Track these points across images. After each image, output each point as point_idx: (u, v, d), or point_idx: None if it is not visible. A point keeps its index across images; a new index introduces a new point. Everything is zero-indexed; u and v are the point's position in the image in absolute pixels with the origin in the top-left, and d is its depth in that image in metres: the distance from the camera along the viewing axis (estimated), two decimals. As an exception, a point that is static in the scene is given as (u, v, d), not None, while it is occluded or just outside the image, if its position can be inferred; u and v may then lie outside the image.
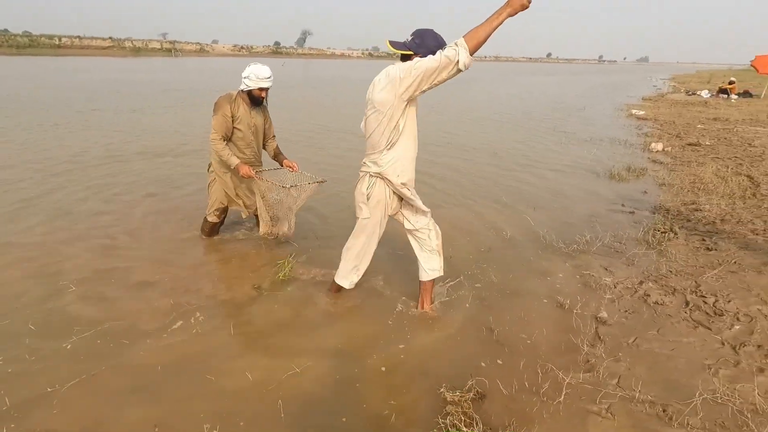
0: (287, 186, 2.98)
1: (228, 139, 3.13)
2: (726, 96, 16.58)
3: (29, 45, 47.92)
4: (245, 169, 3.04)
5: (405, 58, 2.12)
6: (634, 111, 12.46)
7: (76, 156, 5.88)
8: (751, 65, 15.66)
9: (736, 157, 6.68)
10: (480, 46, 1.93)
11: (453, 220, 3.98)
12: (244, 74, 3.05)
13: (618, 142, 8.01)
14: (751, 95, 16.69)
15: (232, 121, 3.07)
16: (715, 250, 3.46)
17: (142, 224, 3.76)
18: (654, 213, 4.31)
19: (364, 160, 2.33)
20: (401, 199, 2.40)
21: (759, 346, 2.30)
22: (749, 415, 1.84)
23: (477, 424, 1.76)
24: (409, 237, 2.51)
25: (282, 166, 3.30)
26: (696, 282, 2.96)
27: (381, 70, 2.15)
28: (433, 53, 1.97)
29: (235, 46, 76.40)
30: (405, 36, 2.16)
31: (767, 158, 6.56)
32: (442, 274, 2.54)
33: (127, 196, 4.43)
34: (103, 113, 9.66)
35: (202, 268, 3.06)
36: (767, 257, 3.31)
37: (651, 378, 2.08)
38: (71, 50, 49.85)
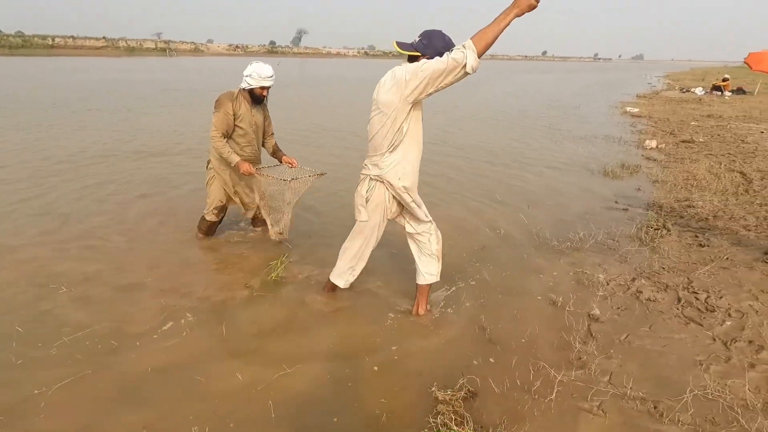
0: (288, 179, 2.97)
1: (228, 136, 3.12)
2: (720, 93, 16.66)
3: (22, 45, 47.53)
4: (245, 167, 3.03)
5: (412, 59, 2.08)
6: (628, 108, 12.50)
7: (71, 156, 5.83)
8: (745, 62, 15.70)
9: (729, 153, 6.71)
10: (488, 48, 1.88)
11: (447, 218, 3.97)
12: (245, 72, 3.04)
13: (612, 140, 8.03)
14: (744, 92, 16.78)
15: (234, 118, 3.07)
16: (708, 246, 3.47)
17: (135, 225, 3.73)
18: (647, 210, 4.33)
19: (365, 162, 2.29)
20: (402, 204, 2.33)
21: (750, 342, 2.31)
22: (739, 411, 1.84)
23: (468, 422, 1.76)
24: (409, 240, 2.47)
25: (281, 162, 3.30)
26: (688, 278, 2.97)
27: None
28: (441, 54, 1.94)
29: (230, 45, 76.11)
30: (403, 35, 2.14)
31: (760, 154, 6.60)
32: (438, 279, 2.49)
33: (120, 196, 4.40)
34: (100, 113, 9.59)
35: (195, 269, 3.04)
36: (759, 253, 3.33)
37: (642, 375, 2.08)
38: (65, 50, 49.49)
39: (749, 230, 3.78)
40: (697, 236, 3.65)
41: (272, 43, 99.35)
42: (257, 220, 3.68)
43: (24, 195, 4.29)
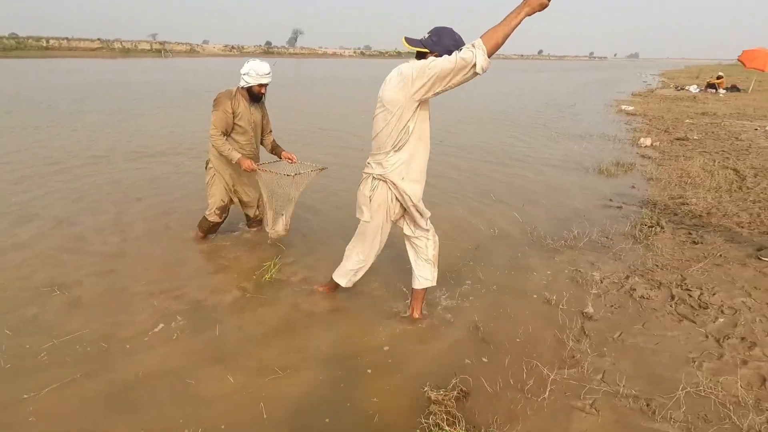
0: (291, 174, 2.96)
1: (227, 135, 3.12)
2: (714, 91, 16.73)
3: (16, 47, 47.22)
4: (247, 163, 3.03)
5: (420, 56, 2.01)
6: (623, 107, 12.54)
7: (66, 158, 5.80)
8: (738, 60, 15.79)
9: (723, 150, 6.74)
10: (498, 48, 1.81)
11: (442, 217, 3.96)
12: (243, 71, 3.04)
13: (607, 138, 8.05)
14: (738, 89, 16.86)
15: (233, 117, 3.06)
16: (701, 243, 3.48)
17: (128, 227, 3.70)
18: (642, 207, 4.33)
19: (368, 161, 2.22)
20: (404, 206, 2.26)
21: (742, 339, 2.31)
22: (731, 408, 1.84)
23: (460, 422, 1.75)
24: (407, 243, 2.44)
25: (280, 158, 3.30)
26: (682, 275, 2.97)
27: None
28: (450, 53, 1.87)
29: (225, 46, 75.94)
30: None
31: (753, 152, 6.63)
32: (434, 284, 2.46)
33: (114, 198, 4.37)
34: (96, 114, 9.55)
35: (188, 271, 3.02)
36: (752, 250, 3.34)
37: (635, 372, 2.08)
38: (59, 52, 49.22)
39: (742, 227, 3.80)
40: (690, 233, 3.66)
41: (268, 43, 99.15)
42: (252, 221, 3.67)
43: (19, 198, 4.27)
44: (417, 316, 2.49)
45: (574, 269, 3.08)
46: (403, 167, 2.12)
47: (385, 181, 2.16)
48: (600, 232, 3.70)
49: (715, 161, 6.03)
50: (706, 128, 8.78)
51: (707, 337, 2.34)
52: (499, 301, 2.71)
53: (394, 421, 1.81)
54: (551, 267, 3.14)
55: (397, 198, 2.21)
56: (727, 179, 5.16)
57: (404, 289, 2.72)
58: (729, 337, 2.32)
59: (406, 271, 2.54)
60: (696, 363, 2.13)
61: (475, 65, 1.80)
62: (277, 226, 3.18)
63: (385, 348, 2.26)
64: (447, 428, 1.70)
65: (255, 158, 3.28)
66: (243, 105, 3.10)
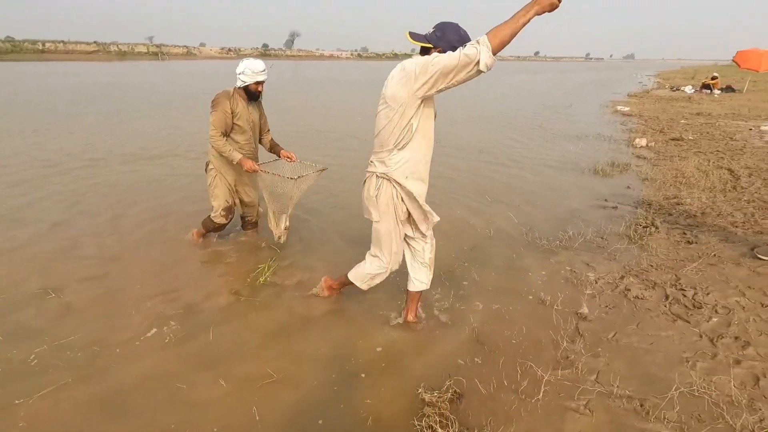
0: (294, 177, 2.96)
1: (226, 135, 3.12)
2: (709, 91, 16.83)
3: (12, 50, 47.05)
4: (249, 164, 3.04)
5: (424, 51, 1.96)
6: (619, 107, 12.59)
7: (62, 161, 5.78)
8: (733, 61, 15.89)
9: (717, 150, 6.77)
10: (504, 46, 1.75)
11: (439, 217, 3.96)
12: (238, 70, 3.04)
13: (603, 138, 8.07)
14: (733, 90, 16.96)
15: (232, 117, 3.06)
16: (696, 243, 3.49)
17: (122, 231, 3.69)
18: (636, 208, 4.34)
19: (371, 159, 2.16)
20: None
21: (736, 338, 2.31)
22: (725, 407, 1.84)
23: (453, 424, 1.74)
24: (404, 244, 2.40)
25: (279, 156, 3.30)
26: (676, 275, 2.98)
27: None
28: (454, 48, 1.81)
29: (222, 48, 75.90)
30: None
31: (748, 151, 6.66)
32: (428, 287, 2.42)
33: (109, 201, 4.35)
34: (92, 117, 9.52)
35: (182, 274, 3.00)
36: (746, 249, 3.35)
37: (629, 373, 2.08)
38: (55, 55, 49.07)
39: (737, 227, 3.81)
40: (685, 233, 3.67)
41: (265, 45, 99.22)
42: (248, 224, 3.66)
43: (17, 201, 4.25)
44: (411, 319, 2.48)
45: (569, 270, 3.08)
46: (406, 166, 2.06)
47: (389, 180, 2.10)
48: (595, 233, 3.71)
49: (709, 161, 6.05)
50: (701, 128, 8.82)
51: (701, 336, 2.34)
52: (494, 302, 2.70)
53: (387, 424, 1.80)
54: (546, 267, 3.14)
55: (402, 198, 2.14)
56: (721, 179, 5.18)
57: (399, 292, 2.71)
58: (723, 337, 2.32)
59: (401, 274, 2.53)
60: (690, 363, 2.13)
61: (478, 62, 1.74)
62: (279, 227, 3.18)
63: (379, 350, 2.25)
64: (440, 431, 1.70)
65: (254, 158, 3.28)
66: (241, 105, 3.10)
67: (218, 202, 3.28)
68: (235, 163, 3.09)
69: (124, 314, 2.50)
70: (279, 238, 3.25)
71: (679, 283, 2.87)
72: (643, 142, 7.42)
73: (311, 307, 2.62)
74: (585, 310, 2.59)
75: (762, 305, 2.61)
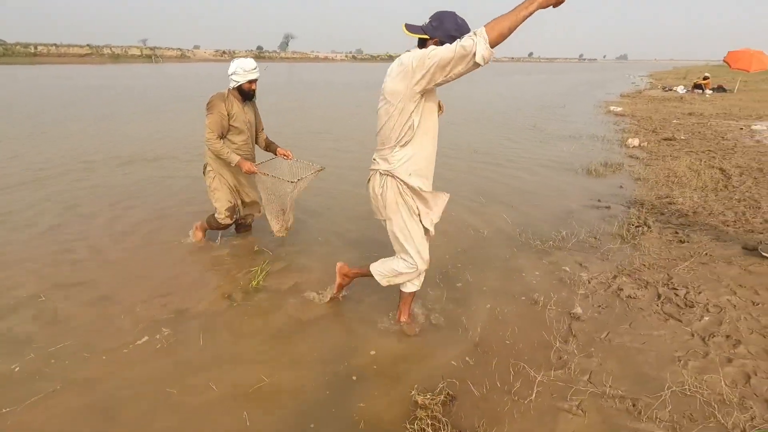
0: (294, 180, 2.95)
1: (223, 137, 3.10)
2: (701, 91, 16.98)
3: (3, 54, 46.72)
4: (248, 165, 3.03)
5: (422, 44, 1.91)
6: (612, 108, 12.66)
7: (53, 165, 5.74)
8: (724, 61, 16.06)
9: (709, 150, 6.82)
10: (503, 39, 1.66)
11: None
12: (230, 71, 3.04)
13: (596, 138, 8.11)
14: (724, 90, 17.12)
15: (228, 118, 3.06)
16: (688, 242, 3.51)
17: (115, 235, 3.65)
18: (629, 207, 4.36)
19: (374, 157, 2.12)
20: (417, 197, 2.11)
21: (727, 337, 2.32)
22: (716, 406, 1.85)
23: (446, 427, 1.74)
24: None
25: (276, 154, 3.29)
26: (668, 274, 2.99)
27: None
28: (453, 38, 1.75)
29: (216, 51, 75.77)
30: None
31: (739, 151, 6.71)
32: (419, 288, 2.39)
33: (93, 205, 4.31)
34: (85, 121, 9.46)
35: (173, 279, 2.98)
36: (737, 248, 3.37)
37: (622, 372, 2.08)
38: (47, 58, 48.79)
39: (728, 226, 3.83)
40: (677, 232, 3.69)
41: (259, 48, 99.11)
42: (240, 227, 3.64)
43: (9, 205, 4.22)
44: (404, 320, 2.47)
45: (562, 270, 3.09)
46: (409, 163, 2.01)
47: (394, 177, 2.04)
48: (588, 233, 3.72)
49: (701, 161, 6.09)
50: (692, 128, 8.89)
51: (693, 335, 2.35)
52: (487, 303, 2.70)
53: (380, 427, 1.79)
54: (540, 268, 3.14)
55: (410, 194, 2.08)
56: (713, 178, 5.22)
57: (392, 294, 2.70)
58: (714, 336, 2.33)
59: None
60: (682, 362, 2.14)
61: (474, 54, 1.66)
62: (280, 224, 3.18)
63: (372, 353, 2.24)
64: (432, 433, 1.69)
65: (252, 158, 3.28)
66: (237, 106, 3.09)
67: (220, 203, 3.26)
68: (233, 165, 3.09)
69: (116, 320, 2.48)
70: (278, 232, 3.23)
71: (671, 282, 2.88)
72: (636, 142, 7.47)
73: (303, 311, 2.61)
74: (578, 310, 2.59)
75: (753, 303, 2.62)
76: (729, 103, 13.33)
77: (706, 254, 3.28)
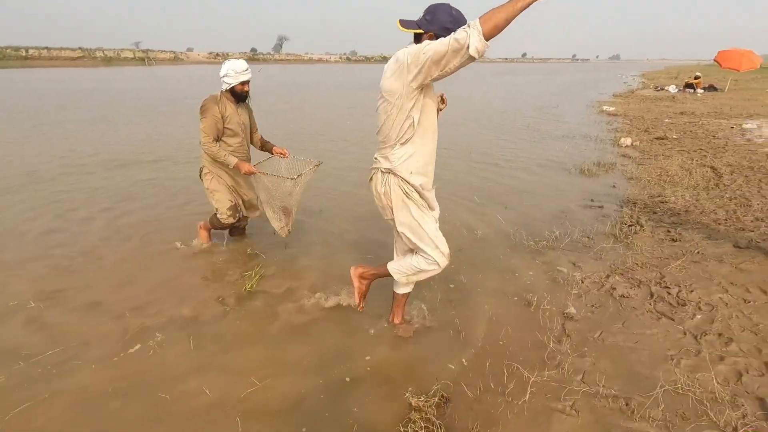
0: (294, 177, 2.94)
1: (218, 140, 3.09)
2: (692, 90, 17.13)
3: (-6, 57, 46.32)
4: (246, 167, 3.03)
5: (417, 39, 1.87)
6: (605, 107, 12.74)
7: (43, 168, 5.67)
8: (715, 60, 16.23)
9: (700, 149, 6.88)
10: (498, 30, 1.60)
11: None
12: (221, 73, 3.03)
13: (589, 138, 8.16)
14: (715, 89, 17.28)
15: (223, 121, 3.04)
16: (680, 240, 3.53)
17: (105, 240, 3.62)
18: (622, 207, 4.38)
19: (375, 155, 2.09)
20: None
21: (719, 335, 2.33)
22: (708, 404, 1.85)
23: (440, 429, 1.73)
24: (396, 246, 2.35)
25: (272, 153, 3.29)
26: (660, 273, 3.01)
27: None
28: (448, 31, 1.70)
29: (210, 53, 75.52)
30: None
31: (730, 149, 6.77)
32: (411, 289, 2.40)
33: (84, 210, 4.27)
34: (78, 124, 9.37)
35: (165, 284, 2.95)
36: (729, 246, 3.39)
37: (615, 372, 2.08)
38: (39, 62, 48.41)
39: (719, 224, 3.86)
40: (669, 231, 3.71)
41: (253, 50, 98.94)
42: (235, 230, 3.62)
43: (2, 212, 4.17)
44: (398, 322, 2.47)
45: (556, 270, 3.10)
46: (410, 161, 1.98)
47: (395, 175, 2.01)
48: (581, 232, 3.73)
49: (693, 159, 6.14)
50: (684, 127, 8.96)
51: (685, 334, 2.36)
52: (480, 304, 2.70)
53: (374, 430, 1.78)
54: (533, 268, 3.15)
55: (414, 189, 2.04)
56: (704, 177, 5.26)
57: (385, 297, 2.69)
58: (706, 334, 2.34)
59: (385, 279, 2.51)
60: (674, 360, 2.15)
61: (468, 47, 1.61)
62: (282, 226, 3.17)
63: (366, 357, 2.23)
64: (426, 436, 1.68)
65: (248, 159, 3.27)
66: (230, 108, 3.08)
67: (221, 204, 3.24)
68: (231, 167, 3.07)
69: (105, 328, 2.45)
70: (280, 230, 3.22)
71: (664, 281, 2.90)
72: (628, 141, 7.52)
73: (297, 315, 2.59)
74: (571, 310, 2.59)
75: (744, 301, 2.64)
76: (720, 102, 13.45)
77: (698, 252, 3.30)
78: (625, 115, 11.16)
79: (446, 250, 2.12)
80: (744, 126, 8.79)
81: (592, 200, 4.64)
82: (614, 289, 2.83)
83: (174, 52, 70.15)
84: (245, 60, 3.16)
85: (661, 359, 2.16)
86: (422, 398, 1.89)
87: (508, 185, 5.28)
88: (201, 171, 3.27)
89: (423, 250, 2.09)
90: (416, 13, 1.92)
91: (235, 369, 2.14)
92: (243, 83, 3.05)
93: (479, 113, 12.29)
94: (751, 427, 1.73)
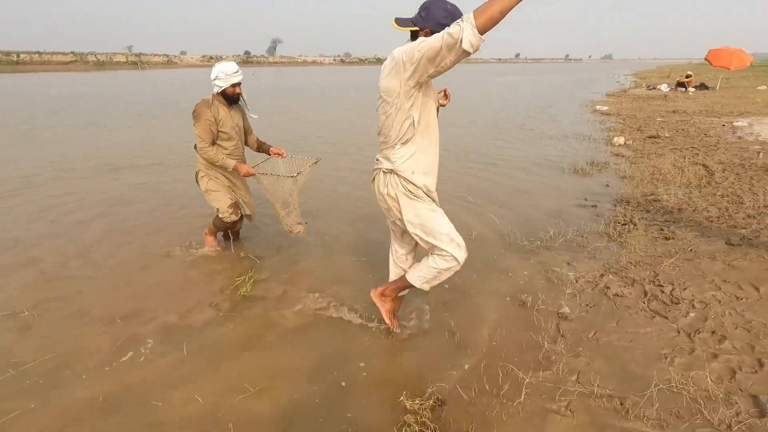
0: (294, 175, 2.92)
1: (213, 144, 3.07)
2: (684, 89, 17.26)
3: (-15, 62, 45.91)
4: (245, 168, 3.02)
5: (414, 37, 1.85)
6: (598, 107, 12.82)
7: (32, 174, 5.62)
8: (706, 59, 16.37)
9: (693, 147, 6.92)
10: (493, 23, 1.55)
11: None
12: (212, 77, 3.02)
13: (582, 138, 8.20)
14: (707, 87, 17.44)
15: (216, 125, 3.03)
16: (673, 238, 3.54)
17: (93, 245, 3.58)
18: (615, 205, 4.40)
19: (377, 156, 2.07)
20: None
21: (713, 332, 2.34)
22: (702, 402, 1.86)
23: (434, 432, 1.72)
24: (392, 247, 2.35)
25: (270, 154, 3.27)
26: (654, 271, 3.02)
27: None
28: (445, 26, 1.66)
29: (203, 56, 75.27)
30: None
31: (721, 147, 6.83)
32: (405, 293, 2.38)
33: (77, 215, 4.23)
34: (70, 129, 9.29)
35: (158, 290, 2.92)
36: (721, 243, 3.41)
37: (609, 371, 2.09)
38: (31, 66, 48.02)
39: (712, 221, 3.88)
40: (662, 229, 3.73)
41: (247, 52, 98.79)
42: (231, 233, 3.59)
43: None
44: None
45: (550, 269, 3.10)
46: (412, 161, 1.95)
47: (398, 176, 1.98)
48: (575, 232, 3.74)
49: (685, 158, 6.18)
50: (676, 126, 9.02)
51: (679, 332, 2.37)
52: (475, 305, 2.70)
53: (368, 435, 1.77)
54: (527, 268, 3.15)
55: (419, 189, 2.02)
56: (696, 175, 5.29)
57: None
58: (700, 332, 2.35)
59: (381, 280, 2.51)
60: (668, 359, 2.15)
61: (461, 41, 1.57)
62: (294, 223, 3.15)
63: (361, 362, 2.21)
64: (420, 439, 1.67)
65: (243, 162, 3.24)
66: (223, 111, 3.06)
67: (221, 203, 3.21)
68: (230, 170, 3.06)
69: (96, 336, 2.41)
70: (294, 231, 3.20)
71: (657, 279, 2.91)
72: (621, 140, 7.56)
73: (291, 319, 2.58)
74: (566, 309, 2.60)
75: (737, 298, 2.65)
76: (711, 100, 13.56)
77: (691, 250, 3.32)
78: (618, 114, 11.22)
79: (462, 242, 2.05)
80: (735, 124, 8.86)
81: (585, 199, 4.65)
82: (608, 288, 2.83)
83: (167, 56, 69.83)
84: (238, 63, 3.14)
85: (655, 358, 2.17)
86: (417, 401, 1.88)
87: (502, 185, 5.29)
88: (197, 175, 3.25)
89: (438, 247, 2.01)
90: (411, 13, 1.91)
91: (228, 375, 2.12)
92: (234, 85, 3.04)
93: (472, 113, 12.31)
94: (744, 424, 1.74)
